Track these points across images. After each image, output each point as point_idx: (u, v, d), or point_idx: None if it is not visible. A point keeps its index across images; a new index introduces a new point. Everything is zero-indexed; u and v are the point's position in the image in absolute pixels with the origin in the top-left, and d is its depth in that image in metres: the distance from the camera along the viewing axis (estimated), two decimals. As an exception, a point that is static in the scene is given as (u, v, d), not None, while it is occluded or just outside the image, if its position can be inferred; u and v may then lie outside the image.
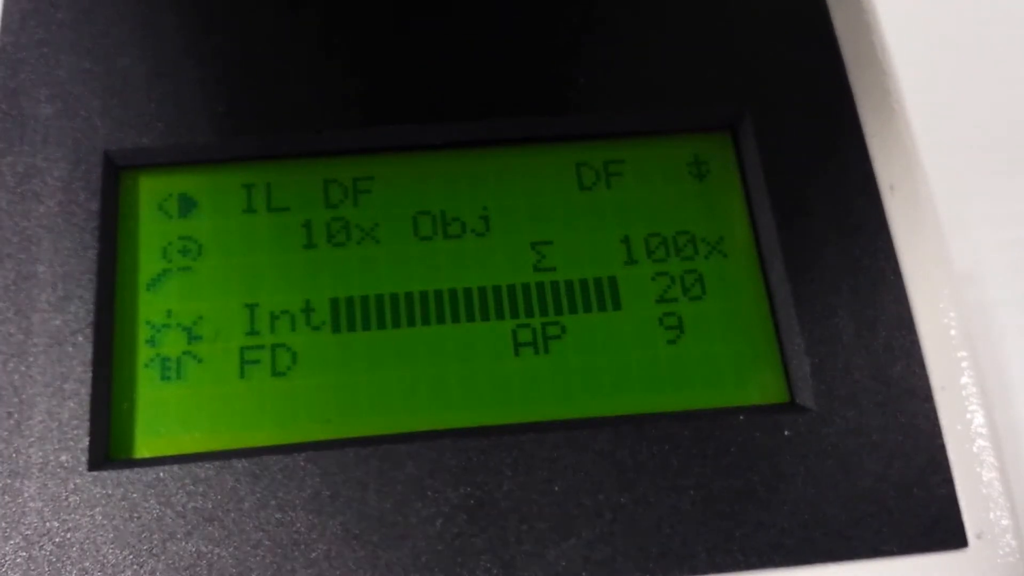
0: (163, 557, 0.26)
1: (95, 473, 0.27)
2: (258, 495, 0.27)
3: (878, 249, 0.29)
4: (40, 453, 0.27)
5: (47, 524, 0.26)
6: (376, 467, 0.27)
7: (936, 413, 0.28)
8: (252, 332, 0.29)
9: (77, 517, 0.26)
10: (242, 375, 0.29)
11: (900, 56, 0.31)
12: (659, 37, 0.32)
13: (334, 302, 0.29)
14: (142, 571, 0.26)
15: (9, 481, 0.27)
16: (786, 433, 0.27)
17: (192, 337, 0.29)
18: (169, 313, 0.29)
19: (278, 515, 0.26)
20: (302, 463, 0.27)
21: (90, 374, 0.28)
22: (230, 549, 0.26)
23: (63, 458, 0.27)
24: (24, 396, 0.27)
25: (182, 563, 0.26)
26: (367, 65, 0.31)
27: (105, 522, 0.26)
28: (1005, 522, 0.27)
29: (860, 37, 0.32)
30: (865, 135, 0.30)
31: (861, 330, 0.28)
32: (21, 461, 0.27)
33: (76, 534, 0.26)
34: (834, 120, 0.31)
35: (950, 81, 0.38)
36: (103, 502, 0.26)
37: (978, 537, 0.27)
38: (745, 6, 0.32)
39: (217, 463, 0.27)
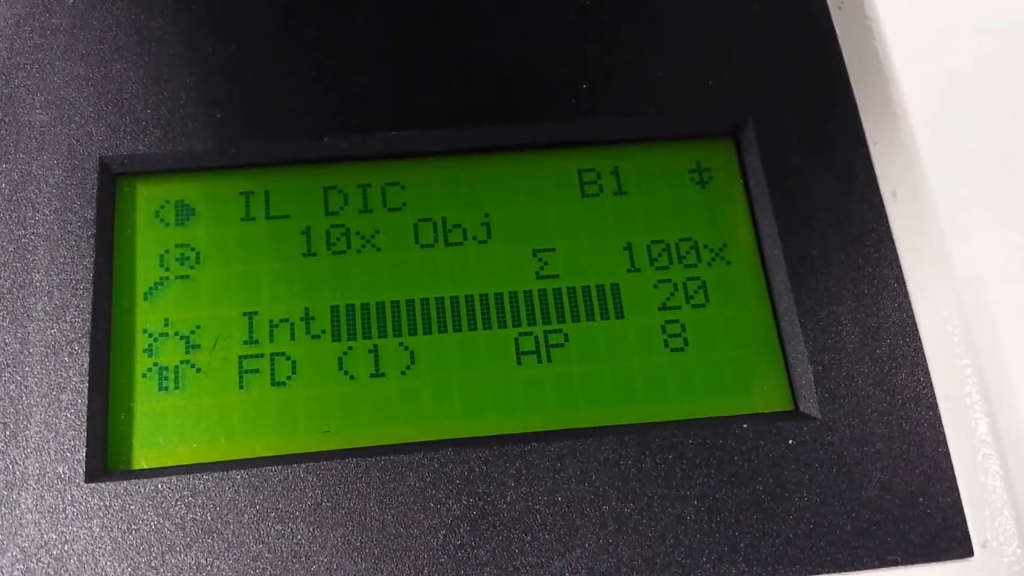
0: (162, 569, 0.26)
1: (92, 484, 0.26)
2: (258, 506, 0.26)
3: (881, 256, 0.29)
4: (37, 464, 0.27)
5: (44, 536, 0.26)
6: (377, 478, 0.27)
7: (940, 421, 0.28)
8: (251, 341, 0.29)
9: (75, 529, 0.26)
10: (241, 385, 0.28)
11: (902, 62, 0.31)
12: (661, 43, 0.32)
13: (334, 310, 0.29)
14: (141, 584, 0.26)
15: (6, 493, 0.26)
16: (790, 442, 0.27)
17: (190, 346, 0.29)
18: (167, 322, 0.29)
19: (278, 527, 0.26)
20: (302, 474, 0.27)
21: (87, 384, 0.27)
22: (229, 561, 0.26)
23: (60, 469, 0.27)
24: (20, 406, 0.27)
25: (181, 575, 0.26)
26: (367, 71, 0.31)
27: (103, 534, 0.26)
28: (1010, 530, 0.27)
29: (863, 43, 0.32)
30: (868, 141, 0.30)
31: (864, 338, 0.28)
32: (18, 472, 0.26)
33: (74, 546, 0.26)
34: (836, 126, 0.31)
35: (952, 87, 0.38)
36: (101, 514, 0.26)
37: (983, 546, 0.27)
38: (748, 13, 0.32)
39: (216, 474, 0.27)
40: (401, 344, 0.29)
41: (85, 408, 0.27)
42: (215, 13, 0.31)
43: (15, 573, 0.26)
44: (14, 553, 0.26)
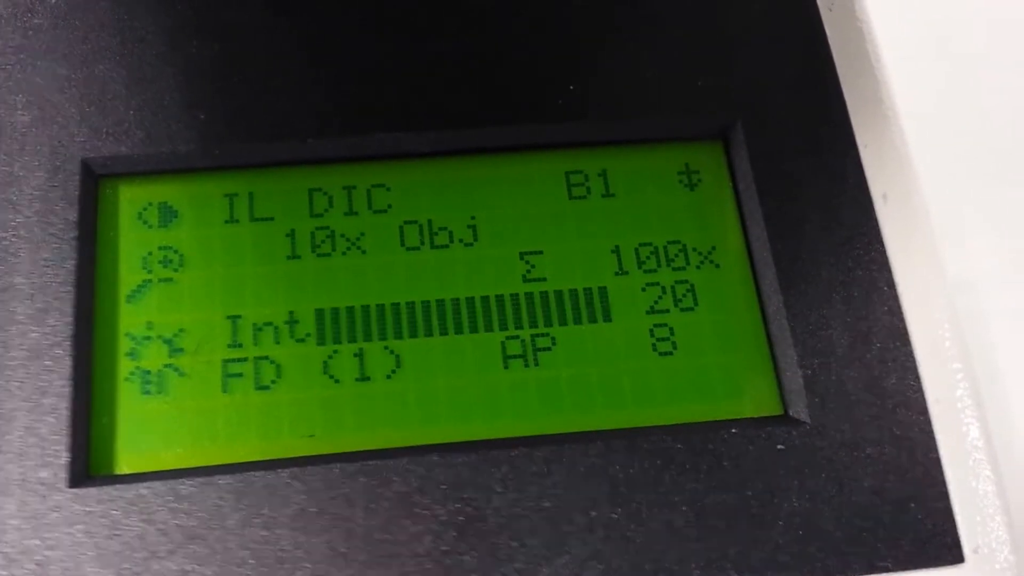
0: (145, 575, 0.25)
1: (75, 490, 0.26)
2: (242, 512, 0.26)
3: (871, 259, 0.29)
4: (19, 469, 0.26)
5: (27, 542, 0.26)
6: (363, 483, 0.26)
7: (931, 426, 0.28)
8: (235, 344, 0.28)
9: (57, 535, 0.26)
10: (225, 389, 0.28)
11: (893, 64, 0.31)
12: (650, 45, 0.31)
13: (319, 313, 0.29)
14: (124, 590, 0.25)
15: (-13, 498, 0.26)
16: (779, 447, 0.27)
17: (173, 350, 0.28)
18: (150, 325, 0.29)
19: (263, 532, 0.26)
20: (287, 479, 0.26)
21: (69, 388, 0.27)
22: (214, 567, 0.26)
23: (42, 475, 0.26)
24: (2, 411, 0.27)
25: (164, 582, 0.25)
26: (353, 72, 0.30)
27: (86, 540, 0.26)
28: (1002, 536, 0.27)
29: (853, 45, 0.31)
30: (858, 144, 0.30)
31: (855, 341, 0.28)
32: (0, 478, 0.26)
33: (56, 552, 0.26)
34: (827, 128, 0.30)
35: (943, 90, 0.38)
36: (84, 519, 0.26)
37: (975, 551, 0.26)
38: (737, 14, 0.32)
39: (200, 479, 0.26)
40: (387, 348, 0.29)
41: (67, 412, 0.27)
42: (199, 13, 0.31)
43: (-4, 579, 0.25)
44: (-5, 559, 0.26)
